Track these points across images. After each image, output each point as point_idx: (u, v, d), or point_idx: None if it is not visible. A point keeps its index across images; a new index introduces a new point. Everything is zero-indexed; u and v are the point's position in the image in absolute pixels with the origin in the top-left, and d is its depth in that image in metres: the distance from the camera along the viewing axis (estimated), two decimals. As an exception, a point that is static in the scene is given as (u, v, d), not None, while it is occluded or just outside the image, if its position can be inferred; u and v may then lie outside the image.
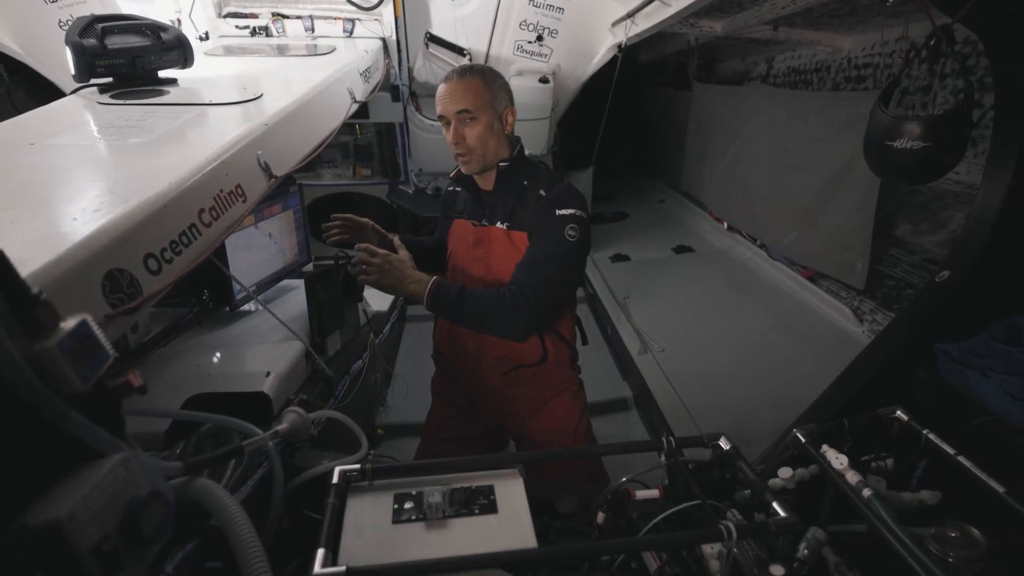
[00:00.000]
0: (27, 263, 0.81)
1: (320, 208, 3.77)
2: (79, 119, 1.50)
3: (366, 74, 2.62)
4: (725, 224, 3.89)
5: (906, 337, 1.53)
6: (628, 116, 5.96)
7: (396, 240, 1.57)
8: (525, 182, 1.58)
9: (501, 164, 1.57)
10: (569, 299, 1.70)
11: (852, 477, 1.05)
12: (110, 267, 0.90)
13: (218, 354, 1.45)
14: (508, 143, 1.59)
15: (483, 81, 1.52)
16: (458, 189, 1.72)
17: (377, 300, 2.27)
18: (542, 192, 1.55)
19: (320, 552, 0.87)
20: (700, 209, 4.33)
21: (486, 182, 1.62)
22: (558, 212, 1.49)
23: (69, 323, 0.70)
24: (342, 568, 0.84)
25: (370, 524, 0.96)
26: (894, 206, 2.58)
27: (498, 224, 1.59)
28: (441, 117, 1.54)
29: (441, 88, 1.54)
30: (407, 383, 2.47)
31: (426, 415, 1.89)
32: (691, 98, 4.37)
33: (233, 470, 1.01)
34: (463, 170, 1.59)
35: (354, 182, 3.87)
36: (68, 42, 1.62)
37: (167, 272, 1.02)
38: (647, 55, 5.09)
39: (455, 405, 1.80)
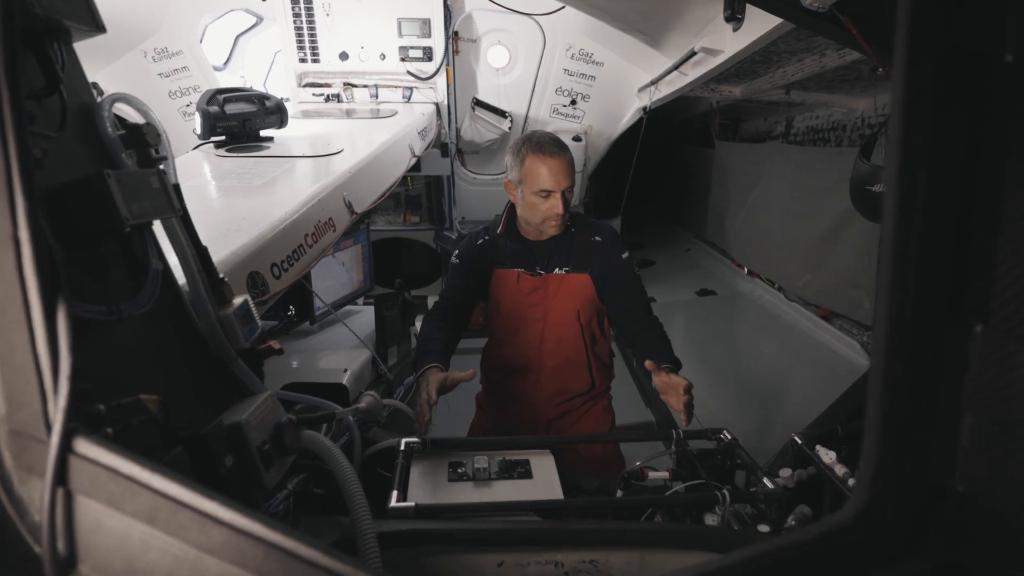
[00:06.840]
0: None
1: (374, 250, 4.14)
2: (206, 168, 1.88)
3: (423, 133, 3.03)
4: (745, 269, 4.09)
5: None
6: (661, 172, 6.30)
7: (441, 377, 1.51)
8: (573, 230, 1.79)
9: None
10: (607, 324, 1.88)
11: (840, 470, 1.25)
12: (251, 270, 1.22)
13: (304, 356, 1.75)
14: None
15: (571, 156, 1.70)
16: (485, 240, 1.87)
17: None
18: (597, 238, 1.77)
19: (394, 493, 1.13)
20: (723, 256, 4.56)
21: (539, 236, 1.79)
22: (623, 256, 1.76)
23: (237, 299, 1.02)
24: (411, 504, 1.10)
25: (430, 481, 1.21)
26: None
27: (556, 271, 1.78)
28: (544, 190, 1.64)
29: (549, 163, 1.63)
30: (449, 407, 2.71)
31: (468, 428, 2.08)
32: (714, 155, 4.69)
33: (325, 432, 1.29)
34: (551, 231, 1.71)
35: (404, 228, 4.26)
36: (198, 109, 2.04)
37: (284, 278, 1.34)
38: (679, 116, 5.46)
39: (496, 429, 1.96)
